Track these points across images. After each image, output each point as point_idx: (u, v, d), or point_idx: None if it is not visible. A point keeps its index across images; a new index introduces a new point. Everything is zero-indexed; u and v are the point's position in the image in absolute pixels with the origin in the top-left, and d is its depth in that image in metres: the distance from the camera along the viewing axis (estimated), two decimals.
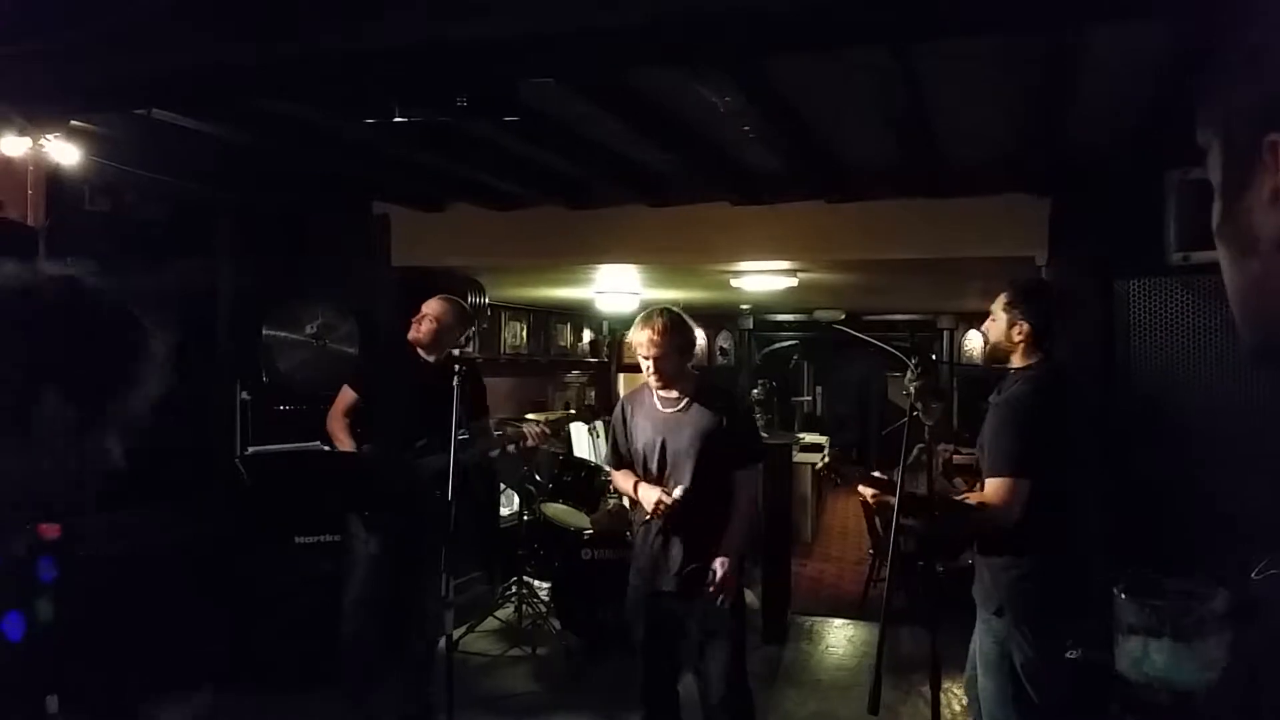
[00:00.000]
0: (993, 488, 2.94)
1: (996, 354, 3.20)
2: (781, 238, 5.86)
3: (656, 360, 3.35)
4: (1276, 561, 2.81)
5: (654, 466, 3.44)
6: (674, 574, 3.37)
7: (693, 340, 3.47)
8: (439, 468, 3.88)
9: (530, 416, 6.96)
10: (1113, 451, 3.70)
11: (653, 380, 3.41)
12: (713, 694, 3.36)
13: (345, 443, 4.20)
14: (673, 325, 3.37)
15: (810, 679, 5.48)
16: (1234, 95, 0.81)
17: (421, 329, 4.21)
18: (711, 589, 3.24)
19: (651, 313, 3.41)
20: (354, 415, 4.24)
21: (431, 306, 4.26)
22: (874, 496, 3.13)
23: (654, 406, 3.48)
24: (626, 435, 3.58)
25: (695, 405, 3.42)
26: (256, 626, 4.73)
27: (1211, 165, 0.85)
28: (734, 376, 13.20)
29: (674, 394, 3.43)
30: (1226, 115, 0.82)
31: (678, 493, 3.32)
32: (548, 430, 4.41)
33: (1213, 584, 2.90)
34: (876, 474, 3.20)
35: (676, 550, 3.36)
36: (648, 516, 3.40)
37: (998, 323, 3.15)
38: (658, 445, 3.43)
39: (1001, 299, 3.17)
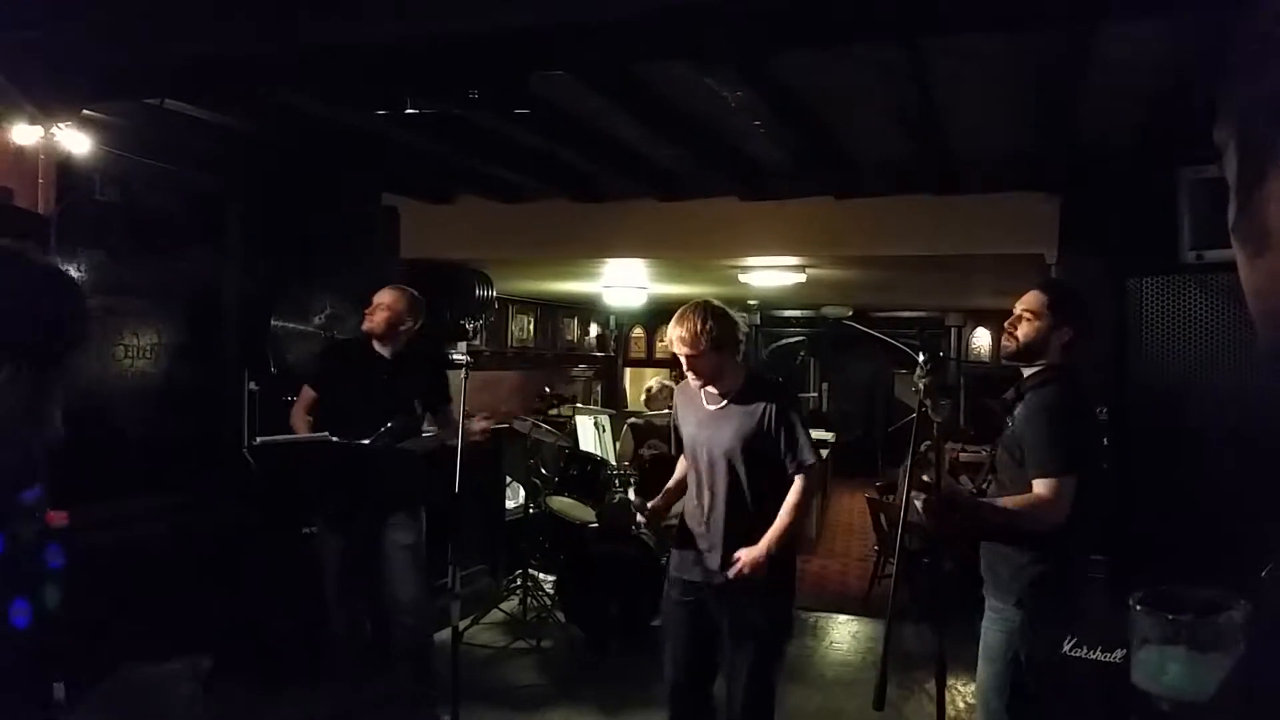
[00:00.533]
0: (1045, 487, 2.89)
1: (1025, 354, 3.08)
2: (789, 233, 5.85)
3: (690, 359, 3.24)
4: None
5: (698, 464, 3.36)
6: (711, 574, 3.29)
7: (735, 335, 3.29)
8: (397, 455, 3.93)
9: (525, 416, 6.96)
10: (1124, 450, 3.69)
11: (691, 379, 3.31)
12: (735, 695, 3.28)
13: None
14: (708, 321, 3.22)
15: (815, 674, 5.48)
16: (1248, 93, 0.80)
17: (375, 319, 4.19)
18: (731, 572, 3.17)
19: (686, 309, 3.27)
20: (315, 412, 4.22)
21: (383, 296, 4.23)
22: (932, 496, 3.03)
23: (699, 402, 3.38)
24: (678, 426, 3.51)
25: (736, 404, 3.30)
26: (262, 615, 4.74)
27: (1227, 163, 0.84)
28: None
29: (717, 391, 3.33)
30: (1241, 113, 0.81)
31: (634, 499, 3.43)
32: (490, 428, 4.33)
33: (1234, 594, 2.88)
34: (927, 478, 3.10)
35: (715, 551, 3.29)
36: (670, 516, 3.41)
37: (1035, 323, 3.04)
38: (700, 443, 3.34)
39: (1039, 299, 3.06)
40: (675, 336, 3.26)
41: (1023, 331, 3.07)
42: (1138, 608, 3.06)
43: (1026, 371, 3.12)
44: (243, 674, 4.54)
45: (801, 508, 3.28)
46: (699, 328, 3.20)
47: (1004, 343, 3.17)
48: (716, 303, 3.32)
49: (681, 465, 3.57)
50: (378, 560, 4.16)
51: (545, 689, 5.11)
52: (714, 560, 3.29)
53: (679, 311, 3.29)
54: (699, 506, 3.37)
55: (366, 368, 4.20)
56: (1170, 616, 2.92)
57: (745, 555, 3.17)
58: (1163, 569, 3.38)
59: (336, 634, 4.22)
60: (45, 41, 2.85)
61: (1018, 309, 3.10)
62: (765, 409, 3.27)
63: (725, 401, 3.32)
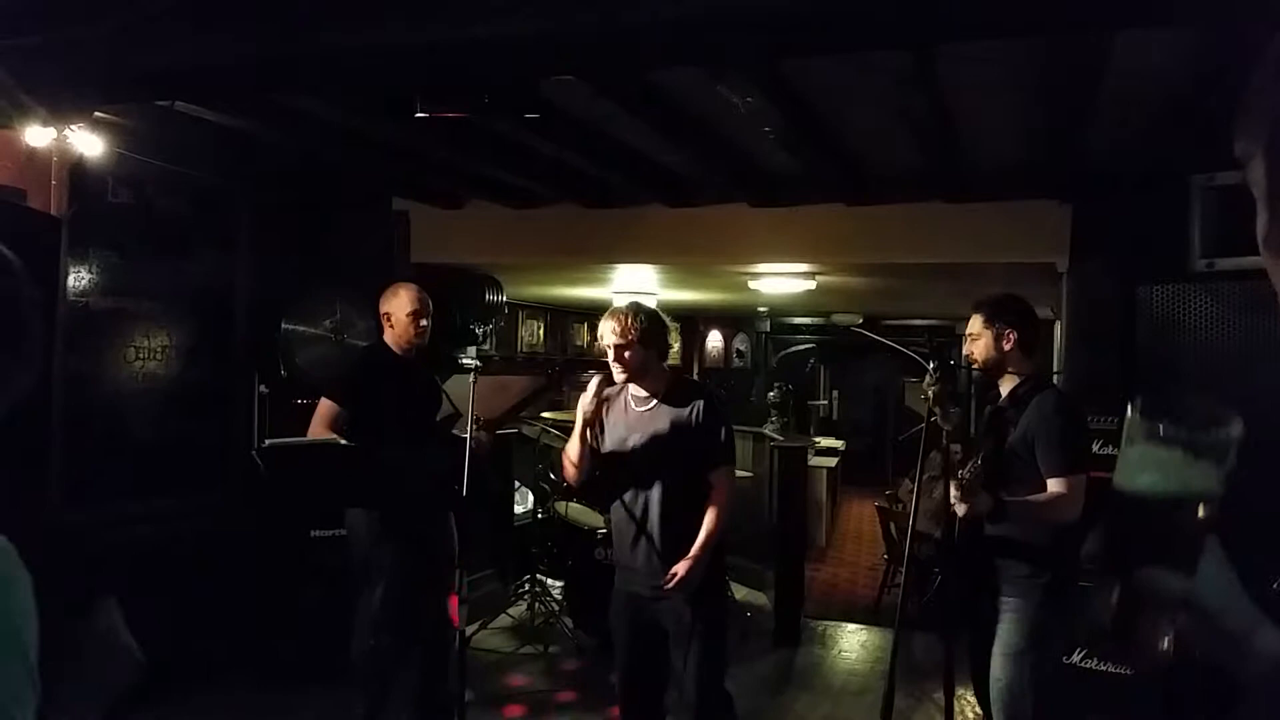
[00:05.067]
0: (1062, 484, 3.02)
1: (993, 369, 3.24)
2: (800, 240, 5.85)
3: (618, 348, 3.24)
4: None
5: (627, 466, 3.34)
6: (650, 577, 3.28)
7: (664, 337, 3.34)
8: (443, 466, 3.80)
9: (546, 415, 6.95)
10: None
11: (616, 371, 3.29)
12: (687, 700, 3.28)
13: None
14: (640, 316, 3.27)
15: (822, 683, 5.46)
16: (1277, 104, 0.77)
17: (417, 330, 4.00)
18: (669, 585, 3.16)
19: (619, 306, 3.35)
20: (336, 427, 3.92)
21: (413, 303, 4.01)
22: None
23: (628, 404, 3.39)
24: (602, 430, 3.45)
25: (665, 405, 3.32)
26: (270, 619, 4.75)
27: (1254, 176, 0.81)
28: (749, 378, 13.19)
29: (644, 393, 3.34)
30: (1270, 124, 0.78)
31: (593, 385, 3.29)
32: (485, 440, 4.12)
33: (1233, 411, 2.90)
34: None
35: (651, 553, 3.28)
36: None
37: (982, 339, 3.21)
38: (630, 444, 3.33)
39: (974, 319, 3.24)
40: (606, 328, 3.29)
41: (977, 352, 3.25)
42: (1135, 414, 3.09)
43: (1011, 383, 3.20)
44: (252, 675, 4.57)
45: (726, 508, 3.29)
46: (630, 320, 3.25)
47: (972, 367, 3.30)
48: (651, 307, 3.39)
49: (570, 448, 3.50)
50: (423, 573, 4.01)
51: (552, 695, 5.10)
52: (653, 567, 3.27)
53: (612, 308, 3.35)
54: (631, 510, 3.34)
55: (402, 374, 4.02)
56: (1167, 420, 2.93)
57: (680, 569, 3.17)
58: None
59: (366, 653, 3.94)
60: (57, 44, 2.87)
61: (965, 336, 3.30)
62: (694, 407, 3.30)
63: (654, 402, 3.33)
